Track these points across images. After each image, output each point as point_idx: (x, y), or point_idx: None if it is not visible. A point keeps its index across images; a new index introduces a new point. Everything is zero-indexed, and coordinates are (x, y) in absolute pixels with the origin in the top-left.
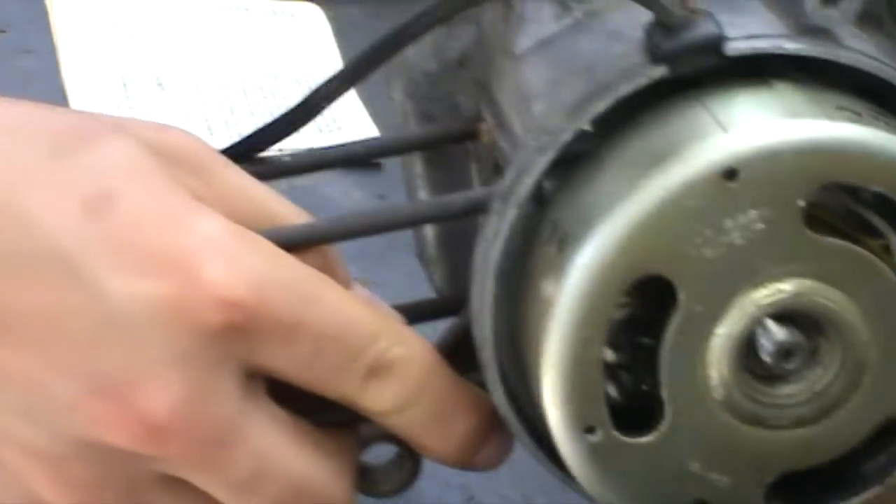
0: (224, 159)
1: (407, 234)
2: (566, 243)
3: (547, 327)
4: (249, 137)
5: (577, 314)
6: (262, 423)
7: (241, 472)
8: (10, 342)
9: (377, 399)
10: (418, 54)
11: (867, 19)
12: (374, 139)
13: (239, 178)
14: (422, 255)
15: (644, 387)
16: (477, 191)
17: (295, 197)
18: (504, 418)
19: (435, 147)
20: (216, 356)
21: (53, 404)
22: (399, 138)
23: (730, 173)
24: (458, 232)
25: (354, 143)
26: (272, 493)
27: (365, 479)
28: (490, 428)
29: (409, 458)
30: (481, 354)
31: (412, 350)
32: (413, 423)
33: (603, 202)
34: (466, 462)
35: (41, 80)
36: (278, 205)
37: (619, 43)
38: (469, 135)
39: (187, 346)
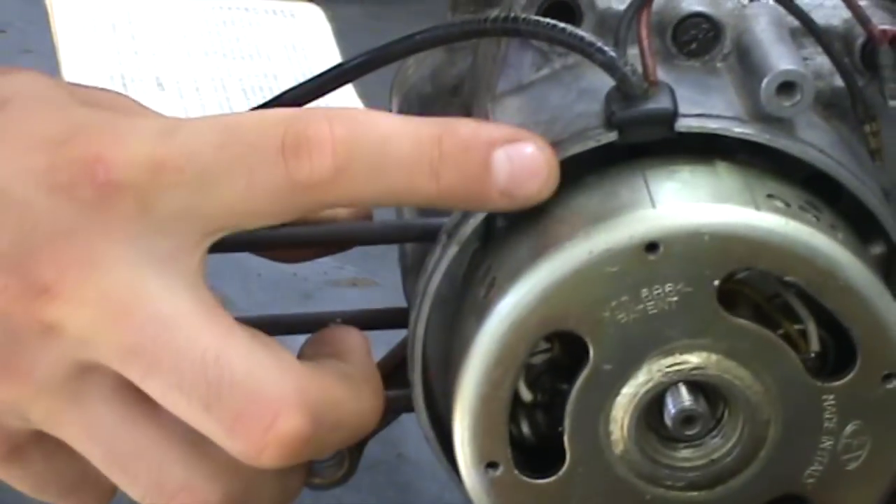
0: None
1: None
2: (492, 288)
3: (462, 365)
4: None
5: (490, 357)
6: (166, 293)
7: (139, 338)
8: None
9: None
10: (418, 75)
11: (832, 109)
12: None
13: None
14: (401, 259)
15: (560, 429)
16: (433, 220)
17: None
18: (426, 438)
19: None
20: (102, 224)
21: None
22: None
23: (651, 246)
24: None
25: None
26: (175, 369)
27: None
28: None
29: (349, 458)
30: (410, 375)
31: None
32: None
33: (531, 256)
34: None
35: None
36: None
37: (584, 102)
38: None
39: (71, 215)
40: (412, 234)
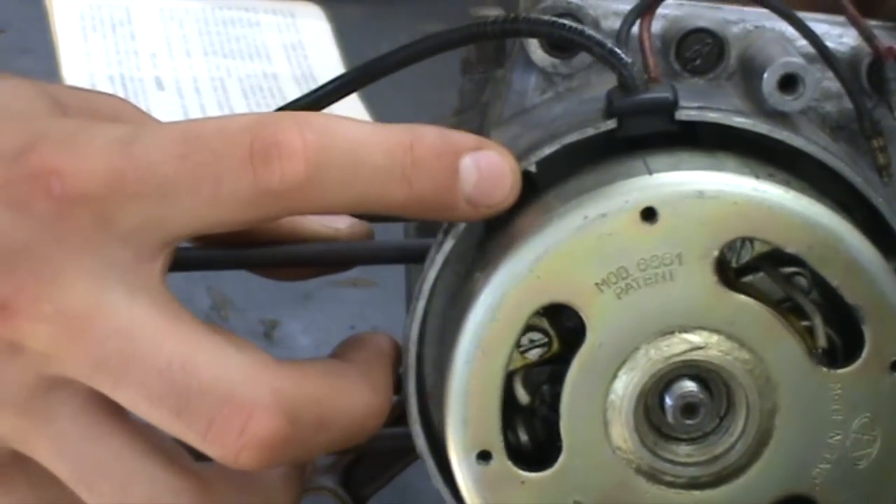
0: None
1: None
2: (488, 268)
3: (455, 343)
4: None
5: (483, 329)
6: (126, 304)
7: (102, 352)
8: None
9: None
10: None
11: (841, 132)
12: None
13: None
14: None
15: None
16: (410, 241)
17: None
18: (420, 453)
19: None
20: (60, 237)
21: None
22: None
23: (648, 213)
24: None
25: None
26: (142, 380)
27: None
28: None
29: None
30: (404, 383)
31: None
32: None
33: (527, 230)
34: None
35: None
36: None
37: (587, 106)
38: None
39: (28, 230)
40: (412, 254)
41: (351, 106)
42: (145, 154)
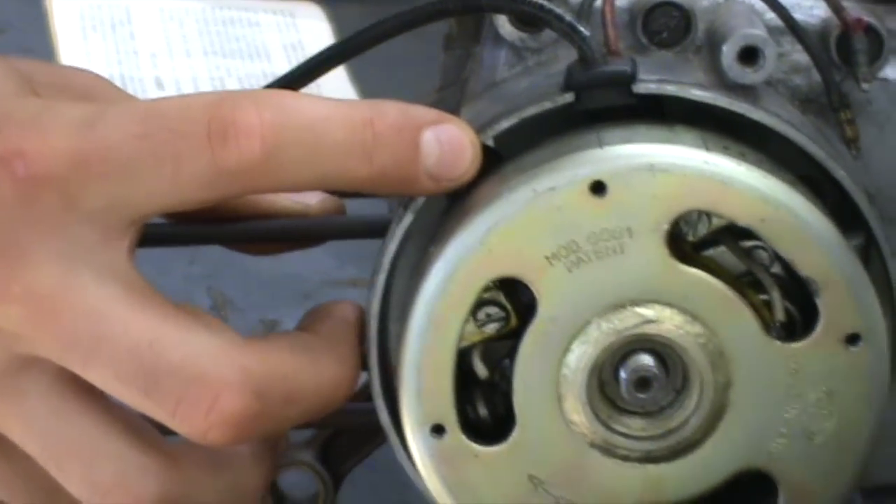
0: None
1: None
2: (441, 241)
3: (408, 317)
4: None
5: (434, 302)
6: (95, 284)
7: (72, 332)
8: None
9: None
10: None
11: (810, 105)
12: None
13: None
14: None
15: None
16: (380, 215)
17: None
18: (384, 428)
19: None
20: (26, 219)
21: None
22: None
23: (598, 186)
24: None
25: None
26: (111, 359)
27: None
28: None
29: (326, 494)
30: (367, 358)
31: None
32: None
33: (480, 203)
34: None
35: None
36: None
37: (551, 80)
38: None
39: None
40: (382, 229)
41: (342, 91)
42: (107, 134)
